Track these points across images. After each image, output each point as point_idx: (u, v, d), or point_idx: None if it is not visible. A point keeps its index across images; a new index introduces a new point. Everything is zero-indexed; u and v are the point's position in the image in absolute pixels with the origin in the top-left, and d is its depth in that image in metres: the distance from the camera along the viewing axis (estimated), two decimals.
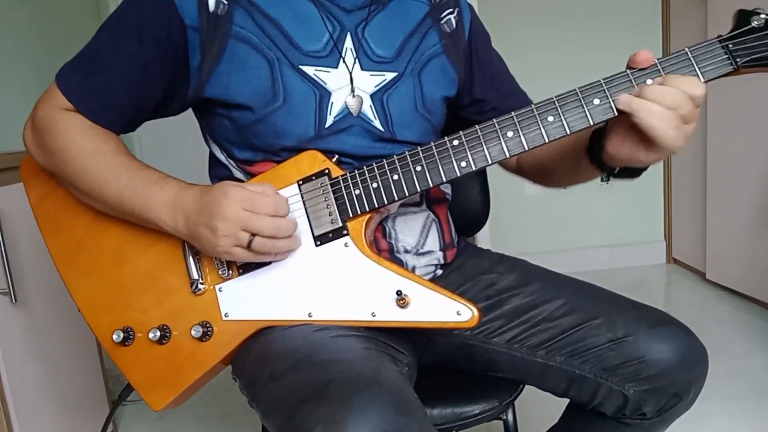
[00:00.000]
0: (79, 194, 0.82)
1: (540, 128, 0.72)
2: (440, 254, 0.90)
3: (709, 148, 2.36)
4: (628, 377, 0.80)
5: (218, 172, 0.88)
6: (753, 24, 0.69)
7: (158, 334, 0.80)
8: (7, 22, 1.72)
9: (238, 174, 0.85)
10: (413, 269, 0.87)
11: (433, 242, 0.89)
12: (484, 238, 2.70)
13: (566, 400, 0.93)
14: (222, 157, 0.86)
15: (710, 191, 2.39)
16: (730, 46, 0.69)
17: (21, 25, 1.80)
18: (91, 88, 0.79)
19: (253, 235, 0.72)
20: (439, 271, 0.92)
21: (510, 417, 0.97)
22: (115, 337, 0.82)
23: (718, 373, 1.73)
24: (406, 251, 0.86)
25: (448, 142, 0.74)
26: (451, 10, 0.91)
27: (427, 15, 0.89)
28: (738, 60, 0.69)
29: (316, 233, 0.77)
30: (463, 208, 1.12)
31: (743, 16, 0.70)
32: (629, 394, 0.80)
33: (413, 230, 0.87)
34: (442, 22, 0.90)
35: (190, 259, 0.81)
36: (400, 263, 0.85)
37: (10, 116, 1.61)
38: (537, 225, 2.77)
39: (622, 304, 0.85)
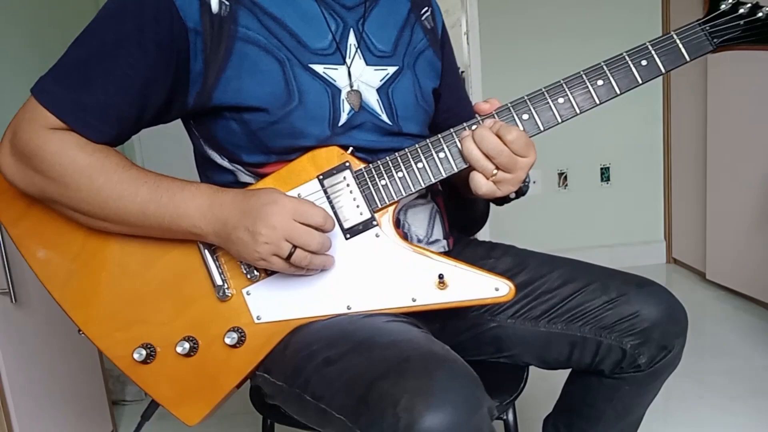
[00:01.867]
0: (84, 218, 0.76)
1: (552, 109, 0.77)
2: (445, 242, 0.93)
3: (709, 148, 2.36)
4: (625, 332, 0.86)
5: (219, 178, 0.84)
6: (722, 8, 0.77)
7: (187, 346, 0.76)
8: (6, 23, 1.72)
9: (245, 178, 0.82)
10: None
11: (438, 231, 0.92)
12: (483, 238, 2.70)
13: None
14: (224, 162, 0.82)
15: (710, 191, 2.39)
16: (707, 28, 0.77)
17: (20, 26, 1.80)
18: (86, 103, 0.72)
19: (295, 247, 0.71)
20: None
21: (510, 417, 0.96)
22: (136, 356, 0.76)
23: (718, 373, 1.72)
24: (419, 240, 0.88)
25: (468, 128, 0.77)
26: (426, 8, 0.96)
27: (410, 11, 0.93)
28: (715, 40, 0.77)
29: (346, 226, 0.78)
30: (464, 207, 1.12)
31: (714, 1, 0.77)
32: (627, 348, 0.86)
33: (422, 221, 0.89)
34: (423, 19, 0.94)
35: (212, 264, 0.78)
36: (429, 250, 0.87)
37: (9, 117, 1.60)
38: (537, 225, 2.77)
39: (611, 271, 0.92)
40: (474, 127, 0.77)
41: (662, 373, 0.89)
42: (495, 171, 0.75)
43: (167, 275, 0.79)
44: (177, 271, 0.79)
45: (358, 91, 0.81)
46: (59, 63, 0.75)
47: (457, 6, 3.08)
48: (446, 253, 0.93)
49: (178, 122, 0.87)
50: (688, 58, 0.77)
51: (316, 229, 0.72)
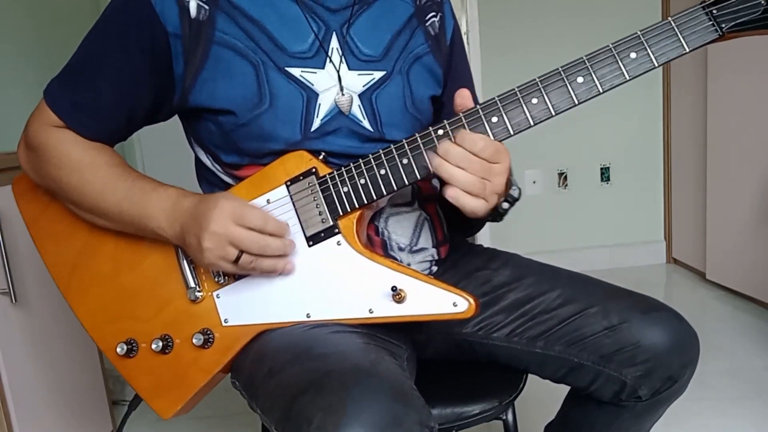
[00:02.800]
0: (78, 210, 0.82)
1: (525, 111, 0.71)
2: (434, 251, 0.91)
3: (709, 148, 2.36)
4: (625, 363, 0.81)
5: (206, 176, 0.88)
6: None
7: (161, 344, 0.80)
8: (6, 24, 1.72)
9: (225, 178, 0.84)
10: (408, 266, 0.86)
11: (426, 240, 0.89)
12: (484, 238, 2.71)
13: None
14: (208, 161, 0.85)
15: (710, 191, 2.39)
16: (714, 11, 0.67)
17: (21, 27, 1.80)
18: (81, 103, 0.79)
19: (242, 251, 0.71)
20: (434, 268, 0.92)
21: (510, 417, 0.96)
22: (119, 350, 0.81)
23: (718, 373, 1.72)
24: (400, 249, 0.87)
25: (432, 132, 0.73)
26: (434, 14, 0.92)
27: (413, 16, 0.89)
28: (723, 26, 0.67)
29: (308, 233, 0.77)
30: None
31: None
32: (626, 380, 0.81)
33: (406, 229, 0.87)
34: (427, 24, 0.91)
35: (186, 266, 0.80)
36: (394, 260, 0.84)
37: (10, 116, 1.61)
38: (537, 225, 2.77)
39: (615, 293, 0.86)
40: (440, 132, 0.73)
41: (666, 401, 0.85)
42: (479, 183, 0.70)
43: (151, 275, 0.83)
44: (160, 272, 0.82)
45: (350, 95, 0.81)
46: (64, 67, 0.81)
47: (457, 6, 3.08)
48: (438, 262, 0.92)
49: (179, 123, 0.88)
50: (687, 49, 0.68)
51: (260, 232, 0.72)
